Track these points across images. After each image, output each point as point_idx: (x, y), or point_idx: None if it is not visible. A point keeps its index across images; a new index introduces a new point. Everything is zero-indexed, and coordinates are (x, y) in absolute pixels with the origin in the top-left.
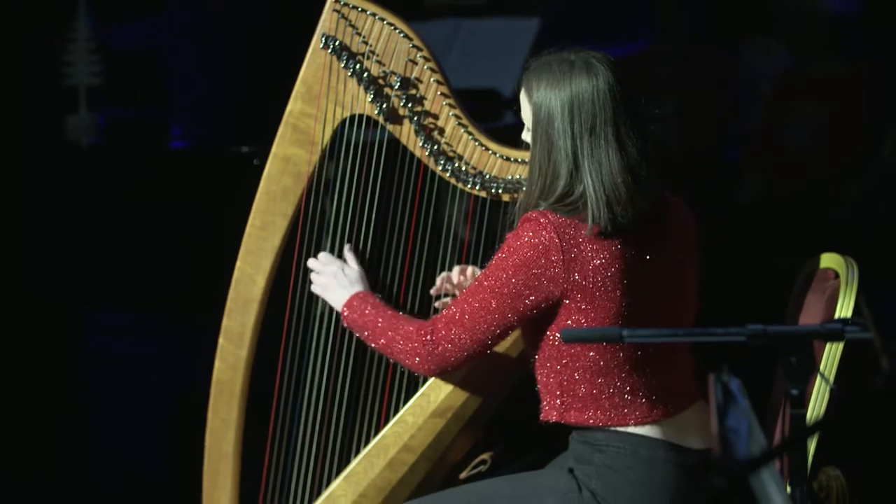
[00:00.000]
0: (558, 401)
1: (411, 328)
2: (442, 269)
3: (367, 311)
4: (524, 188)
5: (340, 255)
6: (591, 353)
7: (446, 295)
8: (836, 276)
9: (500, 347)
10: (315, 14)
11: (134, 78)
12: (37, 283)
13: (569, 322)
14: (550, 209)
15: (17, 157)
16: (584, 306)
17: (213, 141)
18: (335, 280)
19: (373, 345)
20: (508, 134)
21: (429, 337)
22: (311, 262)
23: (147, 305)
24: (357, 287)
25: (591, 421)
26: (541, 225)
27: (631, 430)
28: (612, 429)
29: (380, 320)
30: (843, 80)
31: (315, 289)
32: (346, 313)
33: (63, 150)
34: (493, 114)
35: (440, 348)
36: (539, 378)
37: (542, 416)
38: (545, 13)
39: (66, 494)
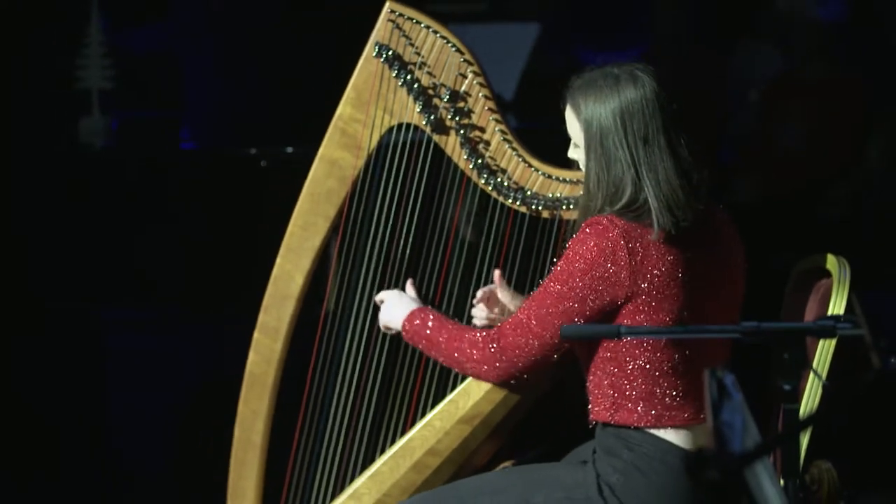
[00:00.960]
0: (610, 402)
1: (477, 337)
2: (480, 281)
3: (429, 325)
4: (582, 201)
5: (381, 261)
6: (645, 355)
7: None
8: (829, 274)
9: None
10: (327, 18)
11: (145, 81)
12: (50, 282)
13: (628, 323)
14: (615, 214)
15: (32, 158)
16: (646, 308)
17: (222, 143)
18: (398, 299)
19: (439, 358)
20: None
21: (495, 345)
22: (378, 296)
23: (158, 303)
24: (417, 304)
25: (641, 422)
26: (607, 229)
27: (667, 437)
28: (649, 431)
29: (444, 333)
30: (832, 84)
31: (381, 316)
32: (407, 327)
33: (77, 152)
34: None
35: (508, 354)
36: (591, 379)
37: (591, 416)
38: (544, 19)
39: (80, 489)
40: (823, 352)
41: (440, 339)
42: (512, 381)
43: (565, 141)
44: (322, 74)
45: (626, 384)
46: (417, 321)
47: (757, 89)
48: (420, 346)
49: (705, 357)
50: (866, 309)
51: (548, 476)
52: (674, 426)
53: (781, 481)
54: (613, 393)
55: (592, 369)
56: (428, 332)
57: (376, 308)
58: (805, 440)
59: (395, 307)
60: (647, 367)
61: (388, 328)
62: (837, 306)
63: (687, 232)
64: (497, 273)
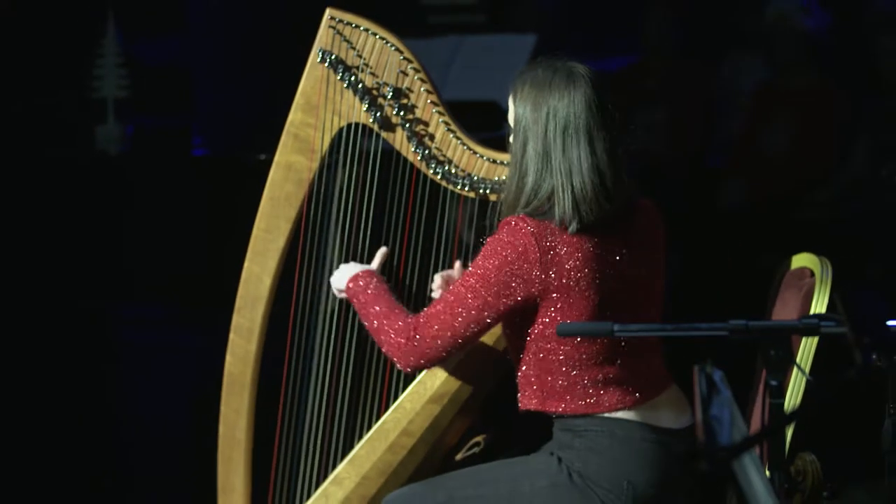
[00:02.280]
0: (536, 390)
1: (399, 322)
2: (437, 268)
3: (370, 290)
4: (504, 192)
5: (342, 256)
6: (566, 348)
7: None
8: (812, 274)
9: (489, 338)
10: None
11: (159, 91)
12: (68, 280)
13: (546, 319)
14: (527, 213)
15: (50, 164)
16: (559, 304)
17: (232, 149)
18: (352, 265)
19: (367, 324)
20: (505, 142)
21: (412, 333)
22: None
23: (169, 301)
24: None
25: (569, 409)
26: (518, 228)
27: (606, 414)
28: (590, 415)
29: (378, 304)
30: (816, 92)
31: (333, 278)
32: (350, 286)
33: (93, 158)
34: (492, 125)
35: (422, 345)
36: (519, 371)
37: (521, 406)
38: (541, 30)
39: (90, 483)
40: (807, 349)
41: (374, 308)
42: (422, 368)
43: None
44: None
45: (550, 376)
46: (361, 282)
47: (744, 97)
48: (355, 306)
49: (630, 349)
50: (854, 306)
51: (530, 467)
52: (600, 412)
53: (768, 472)
54: (540, 383)
55: (520, 361)
56: (365, 295)
57: (343, 302)
58: (790, 433)
59: (346, 269)
60: (565, 359)
61: (337, 290)
62: (821, 305)
63: (599, 228)
64: (458, 263)
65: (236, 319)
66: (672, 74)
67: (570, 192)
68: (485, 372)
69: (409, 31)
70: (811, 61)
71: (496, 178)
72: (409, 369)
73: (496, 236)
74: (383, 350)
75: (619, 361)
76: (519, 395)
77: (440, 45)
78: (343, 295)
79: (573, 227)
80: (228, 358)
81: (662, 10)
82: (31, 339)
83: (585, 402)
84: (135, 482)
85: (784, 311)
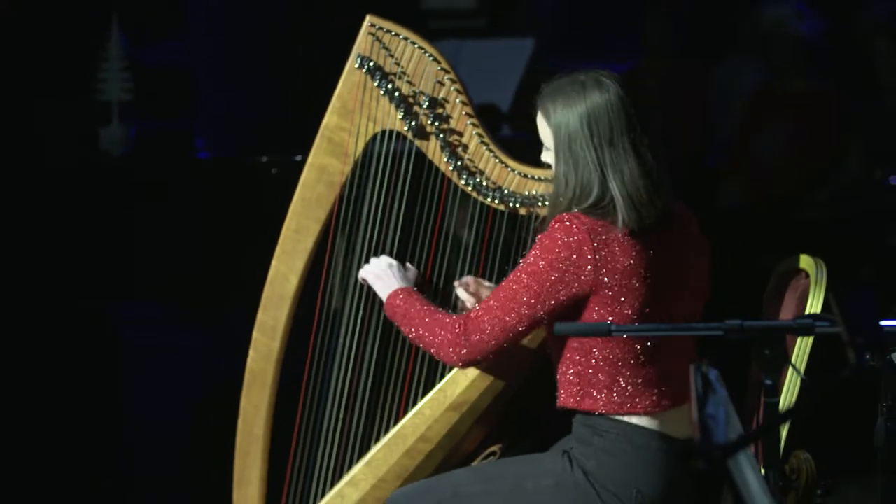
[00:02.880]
0: (576, 389)
1: (447, 320)
2: (460, 275)
3: (415, 304)
4: (551, 200)
5: (369, 260)
6: (611, 346)
7: (456, 298)
8: (807, 275)
9: (514, 348)
10: (333, 34)
11: (162, 94)
12: (72, 280)
13: (594, 317)
14: (582, 212)
15: (56, 165)
16: (609, 302)
17: (234, 151)
18: (389, 270)
19: (411, 335)
20: (507, 145)
21: (462, 331)
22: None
23: (170, 300)
24: (406, 283)
25: (604, 409)
26: (573, 225)
27: (632, 420)
28: (615, 417)
29: (424, 315)
30: (811, 96)
31: (367, 275)
32: (391, 302)
33: (97, 160)
34: (491, 126)
35: (473, 339)
36: (559, 368)
37: (559, 403)
38: (539, 35)
39: (95, 483)
40: (802, 348)
41: (417, 316)
42: (472, 365)
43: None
44: (329, 85)
45: (591, 373)
46: (402, 295)
47: (741, 100)
48: (396, 320)
49: (668, 349)
50: (846, 307)
51: (536, 465)
52: (636, 413)
53: (763, 471)
54: (578, 381)
55: (560, 358)
56: (409, 311)
57: (367, 305)
58: (784, 432)
59: (388, 278)
60: (611, 357)
61: (365, 282)
62: (815, 305)
63: (650, 229)
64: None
65: (261, 317)
66: (671, 77)
67: (627, 198)
68: (506, 383)
69: None
70: (807, 65)
71: (526, 193)
72: (460, 364)
73: (549, 233)
74: (432, 352)
75: (657, 364)
76: (558, 392)
77: (440, 49)
78: (380, 291)
79: (634, 229)
80: (251, 354)
81: (661, 13)
82: (33, 339)
83: (621, 401)
84: (136, 482)
85: (779, 311)
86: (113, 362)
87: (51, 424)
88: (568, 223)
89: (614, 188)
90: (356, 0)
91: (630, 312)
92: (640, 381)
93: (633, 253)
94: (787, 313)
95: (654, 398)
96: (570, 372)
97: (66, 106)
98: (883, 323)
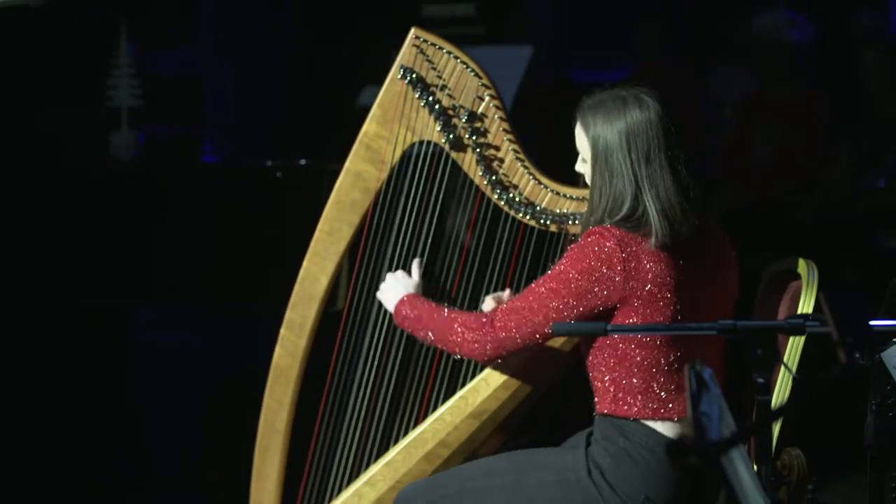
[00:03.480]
0: (611, 395)
1: (470, 318)
2: (490, 287)
3: (423, 309)
4: (586, 211)
5: (400, 266)
6: (641, 353)
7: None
8: (798, 276)
9: (534, 360)
10: (342, 44)
11: (170, 100)
12: (85, 283)
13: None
14: (614, 224)
15: (67, 170)
16: (639, 311)
17: (239, 156)
18: (394, 282)
19: (428, 339)
20: None
21: (489, 326)
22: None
23: (183, 302)
24: (410, 290)
25: (638, 414)
26: (605, 237)
27: (659, 428)
28: (645, 423)
29: (435, 316)
30: (801, 103)
31: (378, 295)
32: (399, 310)
33: (107, 164)
34: None
35: (500, 335)
36: (594, 375)
37: (597, 410)
38: (537, 42)
39: (112, 479)
40: (793, 348)
41: (432, 317)
42: (495, 359)
43: (553, 149)
44: (335, 92)
45: (625, 379)
46: (408, 301)
47: (733, 107)
48: (409, 328)
49: (699, 356)
50: (833, 308)
51: (540, 460)
52: (667, 419)
53: (755, 467)
54: (613, 387)
55: (595, 364)
56: (415, 314)
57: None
58: (777, 429)
59: (391, 289)
60: (645, 363)
61: (383, 301)
62: (806, 306)
63: (679, 242)
64: (507, 291)
65: (289, 315)
66: (664, 84)
67: (662, 213)
68: (526, 394)
69: None
70: (797, 72)
71: (558, 210)
72: (484, 358)
73: (581, 244)
74: (454, 349)
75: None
76: (596, 400)
77: None
78: (388, 305)
79: (665, 242)
80: (278, 350)
81: (655, 25)
82: (39, 340)
83: (655, 405)
84: (151, 476)
85: (771, 311)
86: (126, 361)
87: (68, 420)
88: (600, 235)
89: (649, 203)
90: (360, 9)
91: (660, 322)
92: (672, 387)
93: (663, 265)
94: (779, 313)
95: (684, 404)
96: (605, 378)
97: (77, 112)
98: (872, 323)
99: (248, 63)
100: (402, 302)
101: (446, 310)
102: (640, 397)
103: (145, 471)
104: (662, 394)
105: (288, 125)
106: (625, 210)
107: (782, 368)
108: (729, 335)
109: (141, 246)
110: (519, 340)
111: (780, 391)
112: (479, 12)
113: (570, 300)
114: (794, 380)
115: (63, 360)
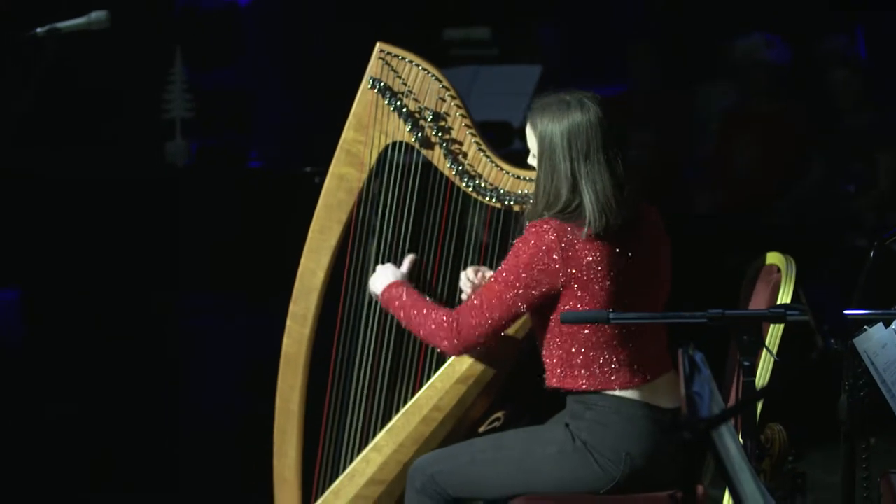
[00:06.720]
0: (558, 370)
1: (442, 317)
2: (463, 266)
3: (404, 299)
4: (531, 202)
5: (386, 258)
6: (585, 332)
7: (461, 291)
8: (778, 270)
9: (510, 330)
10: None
11: (219, 112)
12: (140, 275)
13: (567, 307)
14: (552, 216)
15: (127, 175)
16: (579, 294)
17: (283, 162)
18: (382, 270)
19: (407, 326)
20: (518, 157)
21: (455, 325)
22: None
23: (226, 292)
24: (399, 277)
25: (584, 386)
26: (543, 230)
27: (616, 393)
28: (602, 392)
29: (414, 311)
30: (779, 115)
31: (369, 284)
32: (384, 296)
33: (163, 170)
34: (504, 141)
35: (464, 332)
36: (544, 353)
37: (546, 383)
38: (545, 63)
39: (160, 445)
40: (774, 334)
41: (412, 312)
42: (466, 353)
43: None
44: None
45: (571, 356)
46: (394, 291)
47: (716, 120)
48: (393, 312)
49: (640, 334)
50: (811, 297)
51: (543, 435)
52: (611, 389)
53: (741, 440)
54: (560, 364)
55: (544, 345)
56: (399, 303)
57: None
58: (760, 406)
59: (379, 277)
60: (587, 342)
61: (373, 293)
62: (785, 296)
63: (616, 230)
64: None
65: (292, 308)
66: (655, 101)
67: (597, 206)
68: (505, 358)
69: (433, 63)
70: (775, 88)
71: (519, 192)
72: (455, 354)
73: (524, 238)
74: (429, 342)
75: (630, 345)
76: (546, 374)
77: (460, 73)
78: (378, 298)
79: (600, 233)
80: (286, 340)
81: (645, 49)
82: (107, 325)
83: (600, 379)
84: (190, 455)
85: (754, 302)
86: (177, 343)
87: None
88: (540, 228)
89: (586, 197)
90: (383, 31)
91: (599, 304)
92: (614, 360)
93: (598, 252)
94: (761, 304)
95: (629, 375)
96: (553, 354)
97: (137, 123)
98: (846, 312)
99: (288, 79)
100: (388, 288)
101: (425, 307)
102: (584, 370)
103: (183, 452)
104: (606, 367)
105: (326, 134)
106: (561, 203)
107: (765, 352)
108: (719, 323)
109: (190, 241)
110: (482, 336)
111: (763, 373)
112: (494, 36)
113: (522, 290)
114: (776, 363)
115: (126, 343)
